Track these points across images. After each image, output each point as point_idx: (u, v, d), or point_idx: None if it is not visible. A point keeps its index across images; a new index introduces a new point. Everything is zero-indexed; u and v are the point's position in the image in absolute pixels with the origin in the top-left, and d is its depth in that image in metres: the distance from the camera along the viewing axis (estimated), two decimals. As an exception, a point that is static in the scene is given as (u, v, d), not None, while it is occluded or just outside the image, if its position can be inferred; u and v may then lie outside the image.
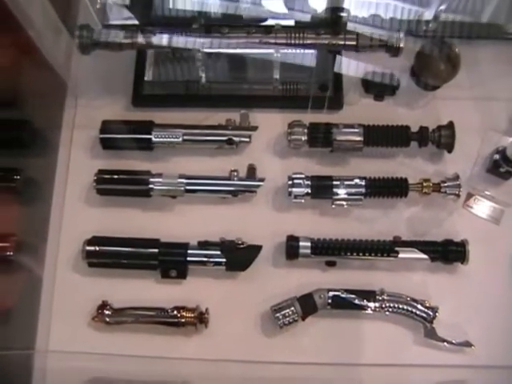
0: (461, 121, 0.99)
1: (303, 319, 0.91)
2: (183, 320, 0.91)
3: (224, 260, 0.93)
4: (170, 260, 0.94)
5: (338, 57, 1.04)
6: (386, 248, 0.93)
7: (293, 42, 0.96)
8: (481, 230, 0.97)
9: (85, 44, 0.97)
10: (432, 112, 1.04)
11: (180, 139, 0.99)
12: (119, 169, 0.98)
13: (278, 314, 0.90)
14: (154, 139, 0.99)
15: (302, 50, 1.00)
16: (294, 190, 0.95)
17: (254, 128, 1.00)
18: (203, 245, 0.94)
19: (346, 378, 0.92)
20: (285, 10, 1.05)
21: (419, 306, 0.91)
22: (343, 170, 0.99)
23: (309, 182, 0.95)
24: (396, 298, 0.91)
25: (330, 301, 0.91)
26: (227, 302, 0.94)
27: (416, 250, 0.93)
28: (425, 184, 0.96)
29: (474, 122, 1.02)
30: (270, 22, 1.01)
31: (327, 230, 0.95)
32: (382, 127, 0.99)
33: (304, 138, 0.98)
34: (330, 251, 0.93)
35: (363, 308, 0.91)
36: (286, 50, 0.99)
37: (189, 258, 0.93)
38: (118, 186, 0.97)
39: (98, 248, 0.93)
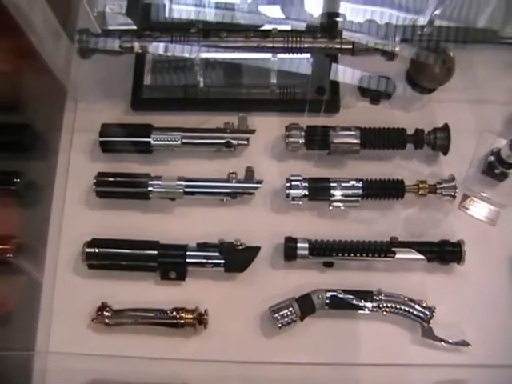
0: (456, 123, 1.00)
1: (301, 320, 0.92)
2: (182, 321, 0.91)
3: (223, 261, 0.94)
4: (170, 262, 0.95)
5: (335, 61, 1.05)
6: (383, 249, 0.94)
7: (290, 45, 0.98)
8: (476, 230, 0.99)
9: (84, 48, 0.98)
10: (427, 115, 1.05)
11: (179, 142, 1.00)
12: (119, 171, 0.99)
13: (276, 315, 0.91)
14: (152, 142, 1.00)
15: (298, 55, 1.01)
16: (292, 191, 0.96)
17: (252, 131, 1.01)
18: (202, 246, 0.95)
19: (344, 378, 0.92)
20: (282, 16, 1.06)
21: (416, 306, 0.92)
22: (340, 172, 1.00)
23: (306, 184, 0.96)
24: (393, 298, 0.92)
25: (327, 301, 0.91)
26: (226, 303, 0.95)
27: (413, 251, 0.94)
28: (421, 185, 0.97)
29: (468, 124, 1.04)
30: (267, 27, 1.02)
31: (325, 232, 0.96)
32: (379, 130, 1.00)
33: (301, 140, 1.00)
34: (327, 252, 0.94)
35: (361, 308, 0.92)
36: (283, 55, 1.00)
37: (188, 260, 0.94)
38: (117, 189, 0.98)
39: (97, 250, 0.94)
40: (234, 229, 0.97)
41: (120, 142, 1.01)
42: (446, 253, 0.94)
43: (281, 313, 0.91)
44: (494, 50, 1.10)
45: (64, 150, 1.04)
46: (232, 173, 0.98)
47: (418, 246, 0.94)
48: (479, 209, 1.00)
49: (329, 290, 0.92)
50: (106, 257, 0.95)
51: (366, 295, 0.92)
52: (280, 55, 1.00)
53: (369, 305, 0.91)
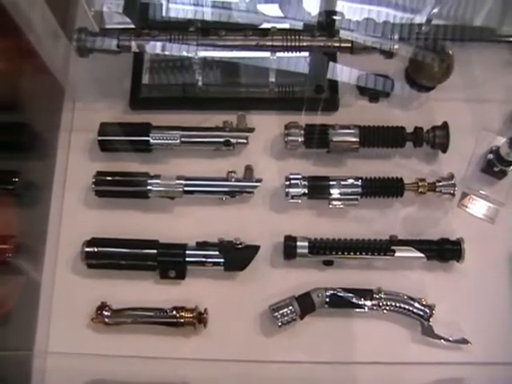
0: (455, 121, 1.00)
1: (301, 318, 0.91)
2: (182, 320, 0.91)
3: (222, 260, 0.93)
4: (169, 261, 0.94)
5: (334, 59, 1.05)
6: (383, 247, 0.94)
7: (289, 44, 0.98)
8: (476, 228, 0.99)
9: (82, 47, 0.98)
10: (426, 113, 1.05)
11: (178, 141, 1.00)
12: (117, 171, 0.99)
13: (276, 314, 0.91)
14: (151, 141, 1.00)
15: (297, 54, 1.01)
16: (291, 190, 0.96)
17: (251, 129, 1.01)
18: (201, 245, 0.95)
19: (344, 377, 0.92)
20: (280, 14, 1.06)
21: (416, 304, 0.92)
22: (339, 171, 1.00)
23: (305, 183, 0.96)
24: (393, 297, 0.92)
25: (327, 300, 0.91)
26: (226, 302, 0.94)
27: (412, 249, 0.94)
28: (420, 184, 0.97)
29: (468, 122, 1.04)
30: (265, 26, 1.02)
31: (324, 230, 0.96)
32: (378, 128, 1.00)
33: (300, 139, 1.00)
34: (327, 251, 0.94)
35: (361, 307, 0.92)
36: (281, 54, 1.00)
37: (187, 259, 0.94)
38: (116, 188, 0.98)
39: (96, 249, 0.94)
40: (234, 228, 0.97)
41: (119, 140, 1.00)
42: (445, 251, 0.94)
43: (281, 311, 0.91)
44: (492, 48, 1.10)
45: (62, 150, 1.04)
46: (231, 171, 0.98)
47: (418, 244, 0.94)
48: (478, 207, 1.00)
49: (328, 289, 0.92)
50: (105, 256, 0.94)
51: (366, 293, 0.92)
52: (279, 54, 1.00)
53: (368, 303, 0.91)
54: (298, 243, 0.94)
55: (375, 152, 1.01)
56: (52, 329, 0.94)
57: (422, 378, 0.92)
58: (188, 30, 0.99)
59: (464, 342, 0.91)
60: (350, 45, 0.98)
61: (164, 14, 1.05)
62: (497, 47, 1.10)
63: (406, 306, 0.92)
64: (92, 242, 0.94)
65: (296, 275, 0.95)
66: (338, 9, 1.02)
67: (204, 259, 0.94)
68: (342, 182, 0.96)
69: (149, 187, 0.97)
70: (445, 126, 0.99)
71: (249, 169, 0.99)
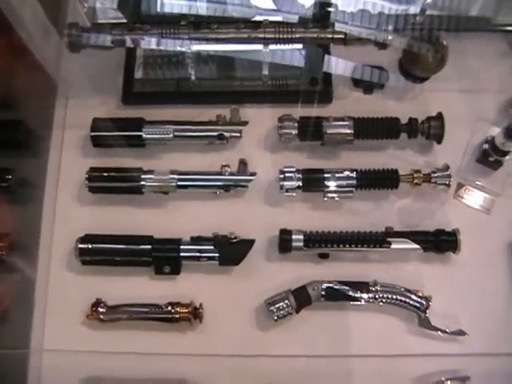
0: (449, 112, 0.99)
1: (297, 312, 0.91)
2: (177, 316, 0.91)
3: (217, 255, 0.93)
4: (164, 256, 0.94)
5: (327, 51, 1.05)
6: (379, 239, 0.93)
7: (281, 36, 0.97)
8: (472, 219, 0.98)
9: (74, 42, 0.97)
10: (421, 104, 1.04)
11: (171, 135, 0.99)
12: (111, 166, 0.99)
13: (272, 308, 0.90)
14: (144, 136, 0.99)
15: (291, 46, 1.00)
16: (286, 183, 0.96)
17: (245, 123, 1.00)
18: (196, 240, 0.94)
19: (341, 370, 0.92)
20: (273, 7, 1.05)
21: (413, 296, 0.91)
22: (334, 163, 1.00)
23: (300, 176, 0.96)
24: (389, 289, 0.91)
25: (323, 293, 0.91)
26: (221, 296, 0.94)
27: (408, 241, 0.93)
28: (415, 175, 0.97)
29: (462, 113, 1.03)
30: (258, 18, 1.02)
31: (319, 223, 0.96)
32: (372, 120, 0.99)
33: (294, 131, 0.99)
34: (322, 244, 0.93)
35: (357, 299, 0.91)
36: (275, 46, 1.00)
37: (182, 254, 0.93)
38: (109, 184, 0.98)
39: (90, 246, 0.93)
40: (228, 222, 0.96)
41: (112, 136, 1.00)
42: (441, 242, 0.93)
43: (276, 305, 0.90)
44: (487, 37, 1.09)
45: (55, 146, 1.03)
46: (225, 165, 0.97)
47: (414, 236, 0.94)
48: (474, 197, 0.99)
49: (324, 282, 0.91)
50: (99, 252, 0.94)
51: (362, 286, 0.91)
52: (272, 47, 1.00)
53: (365, 296, 0.91)
54: (294, 236, 0.93)
55: (370, 144, 1.00)
56: (47, 326, 0.93)
57: (420, 370, 0.92)
58: (180, 24, 0.98)
59: (461, 333, 0.91)
60: (343, 36, 0.97)
61: (157, 9, 1.05)
62: (492, 37, 1.09)
63: (403, 298, 0.91)
64: (86, 239, 0.94)
65: (291, 269, 0.95)
66: (332, 0, 1.02)
67: (199, 254, 0.93)
68: (337, 175, 0.96)
69: (142, 182, 0.96)
70: (439, 117, 0.99)
71: (243, 162, 0.98)
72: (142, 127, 0.99)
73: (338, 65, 1.05)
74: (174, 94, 1.06)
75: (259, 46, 1.00)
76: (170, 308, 0.91)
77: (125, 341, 0.92)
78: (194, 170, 0.98)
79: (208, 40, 0.98)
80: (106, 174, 0.97)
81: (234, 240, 0.93)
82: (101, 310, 0.92)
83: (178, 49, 0.99)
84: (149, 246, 0.93)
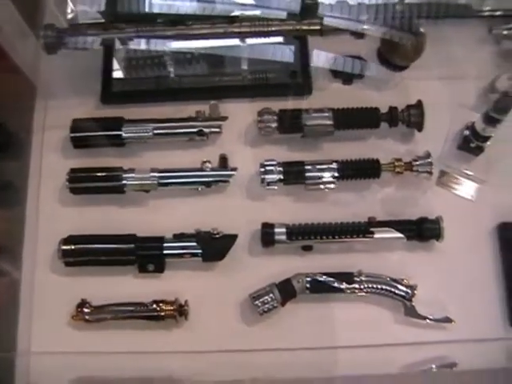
0: (430, 99, 0.99)
1: (283, 305, 0.91)
2: (163, 313, 0.91)
3: (200, 251, 0.93)
4: (147, 254, 0.94)
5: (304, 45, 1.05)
6: (362, 229, 0.93)
7: (257, 29, 0.97)
8: (455, 206, 0.98)
9: (50, 44, 0.97)
10: (401, 92, 1.04)
11: (150, 133, 0.99)
12: (91, 167, 0.98)
13: (257, 302, 0.90)
14: (124, 135, 0.99)
15: (267, 39, 1.00)
16: (267, 177, 0.95)
17: (224, 118, 1.00)
18: (179, 237, 0.94)
19: (329, 361, 0.92)
20: (253, 2, 1.04)
21: (398, 285, 0.91)
22: (315, 155, 0.99)
23: (281, 169, 0.95)
24: (374, 279, 0.91)
25: (308, 285, 0.90)
26: (206, 292, 0.94)
27: (391, 230, 0.93)
28: (397, 163, 0.96)
29: (442, 100, 1.03)
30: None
31: (302, 216, 0.95)
32: (352, 110, 0.99)
33: (274, 124, 0.98)
34: (305, 236, 0.93)
35: (342, 290, 0.91)
36: (252, 40, 0.99)
37: (165, 251, 0.93)
38: (91, 184, 0.97)
39: (73, 247, 0.93)
40: (211, 218, 0.96)
41: (91, 136, 0.99)
42: (424, 230, 0.93)
43: (261, 299, 0.90)
44: (466, 24, 1.08)
45: (36, 149, 1.03)
46: (206, 161, 0.97)
47: (397, 225, 0.93)
48: (457, 184, 0.99)
49: (309, 274, 0.91)
50: (83, 253, 0.94)
51: (347, 277, 0.91)
52: (249, 41, 0.99)
53: (350, 286, 0.91)
54: (276, 230, 0.93)
55: (350, 134, 1.00)
56: (33, 329, 0.93)
57: (408, 358, 0.92)
58: (156, 21, 0.98)
59: (447, 320, 0.91)
60: (319, 27, 0.97)
61: (134, 8, 1.04)
62: (471, 23, 1.09)
63: (388, 288, 0.91)
64: (69, 240, 0.94)
65: (275, 262, 0.94)
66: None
67: (182, 251, 0.93)
68: (318, 166, 0.96)
69: (123, 181, 0.96)
70: (419, 105, 0.98)
71: (223, 158, 0.98)
72: (122, 126, 0.99)
73: (317, 56, 1.04)
74: (153, 92, 1.06)
75: (236, 41, 0.99)
76: (155, 306, 0.91)
77: (111, 340, 0.92)
78: (175, 167, 0.97)
79: (184, 37, 0.98)
80: (86, 175, 0.97)
81: (217, 236, 0.93)
82: (86, 310, 0.91)
83: (156, 47, 0.99)
84: (132, 245, 0.93)
